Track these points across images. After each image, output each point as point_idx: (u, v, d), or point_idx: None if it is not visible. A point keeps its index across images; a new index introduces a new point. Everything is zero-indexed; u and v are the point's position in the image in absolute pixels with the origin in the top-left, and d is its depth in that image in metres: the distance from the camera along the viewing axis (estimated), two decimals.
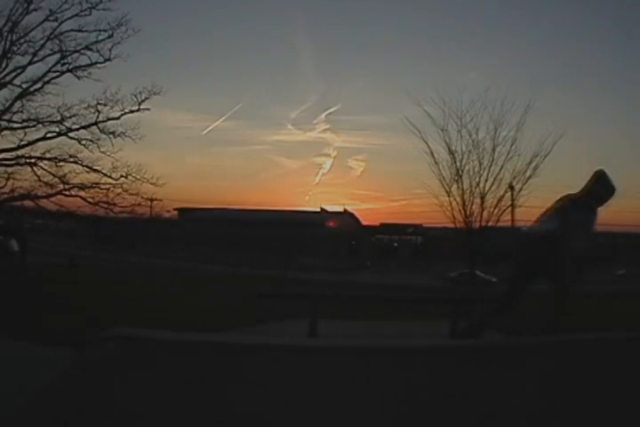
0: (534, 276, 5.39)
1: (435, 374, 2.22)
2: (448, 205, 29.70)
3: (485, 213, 29.78)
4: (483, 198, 29.99)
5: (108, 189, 27.87)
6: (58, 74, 26.98)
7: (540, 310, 5.25)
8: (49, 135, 27.20)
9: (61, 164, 27.18)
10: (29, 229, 58.26)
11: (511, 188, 35.71)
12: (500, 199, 29.97)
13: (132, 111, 27.82)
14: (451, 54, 76.60)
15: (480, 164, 29.96)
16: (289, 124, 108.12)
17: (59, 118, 27.05)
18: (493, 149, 30.31)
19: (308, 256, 56.30)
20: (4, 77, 26.62)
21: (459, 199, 29.73)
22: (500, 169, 29.97)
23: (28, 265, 25.05)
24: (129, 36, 27.21)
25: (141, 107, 28.00)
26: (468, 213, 29.30)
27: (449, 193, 29.85)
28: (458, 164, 29.66)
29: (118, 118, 27.62)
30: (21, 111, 26.81)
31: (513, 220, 38.25)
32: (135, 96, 27.83)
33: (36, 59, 26.62)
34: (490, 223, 30.23)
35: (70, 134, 27.30)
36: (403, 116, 44.59)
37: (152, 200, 45.49)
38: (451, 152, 29.99)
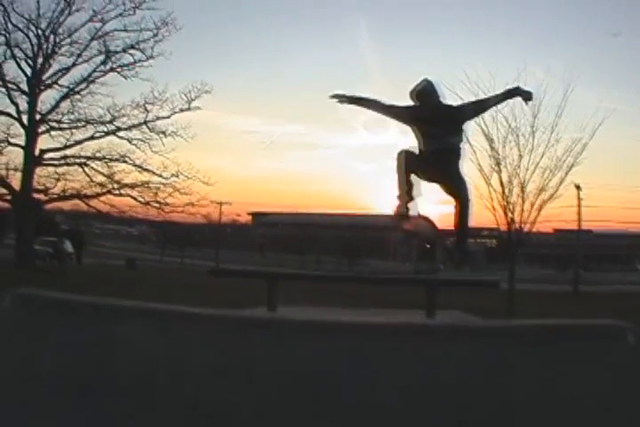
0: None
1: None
2: (488, 196, 29.16)
3: (527, 205, 28.80)
4: (523, 188, 29.15)
5: (159, 188, 26.97)
6: (102, 73, 26.72)
7: None
8: (97, 135, 26.78)
9: (112, 164, 26.74)
10: (97, 234, 60.06)
11: (577, 187, 34.31)
12: (541, 189, 28.96)
13: (182, 110, 27.19)
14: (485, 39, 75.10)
15: (519, 151, 29.07)
16: (360, 126, 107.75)
17: (109, 118, 26.68)
18: (532, 135, 29.30)
19: (380, 260, 55.83)
20: (49, 78, 26.58)
21: (499, 189, 29.18)
22: (541, 157, 28.90)
23: (84, 266, 25.76)
24: (171, 34, 26.85)
25: (192, 106, 27.35)
26: (508, 203, 28.41)
27: (488, 183, 29.31)
28: (495, 153, 28.92)
29: (168, 117, 27.11)
30: (71, 112, 26.60)
31: (579, 220, 36.78)
32: (185, 95, 27.22)
33: (80, 59, 26.50)
34: (531, 215, 29.33)
35: (120, 134, 26.84)
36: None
37: (221, 204, 46.10)
38: (488, 139, 29.17)
